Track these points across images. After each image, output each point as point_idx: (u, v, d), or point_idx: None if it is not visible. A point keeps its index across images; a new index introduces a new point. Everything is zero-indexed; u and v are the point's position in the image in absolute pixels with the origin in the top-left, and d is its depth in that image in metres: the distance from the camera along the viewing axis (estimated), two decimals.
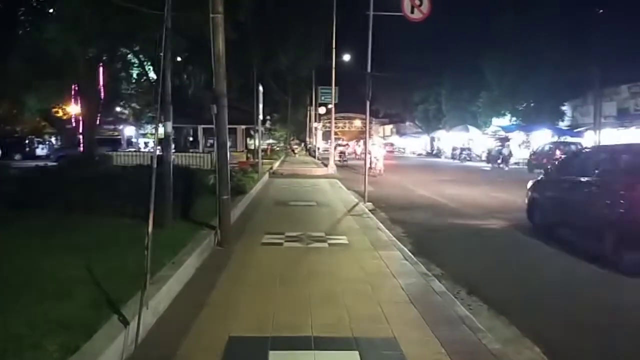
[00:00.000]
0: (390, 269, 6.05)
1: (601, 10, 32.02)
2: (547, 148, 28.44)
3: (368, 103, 13.66)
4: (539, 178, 10.33)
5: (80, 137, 19.17)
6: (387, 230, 8.75)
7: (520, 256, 7.74)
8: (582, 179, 8.03)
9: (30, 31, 15.22)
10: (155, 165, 4.03)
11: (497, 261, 7.39)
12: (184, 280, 5.33)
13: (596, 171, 7.87)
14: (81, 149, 18.53)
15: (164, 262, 5.35)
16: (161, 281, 4.76)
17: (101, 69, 18.13)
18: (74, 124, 24.94)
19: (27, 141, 37.08)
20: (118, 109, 41.79)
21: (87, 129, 17.45)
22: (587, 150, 12.06)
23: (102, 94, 18.46)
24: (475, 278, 6.20)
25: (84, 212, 7.50)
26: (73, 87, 19.23)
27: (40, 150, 37.59)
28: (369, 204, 12.42)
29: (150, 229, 3.87)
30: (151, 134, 55.81)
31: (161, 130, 7.83)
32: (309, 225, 9.12)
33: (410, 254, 6.87)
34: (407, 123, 73.70)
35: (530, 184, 10.42)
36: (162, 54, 6.50)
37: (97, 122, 18.46)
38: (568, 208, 8.40)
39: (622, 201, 6.79)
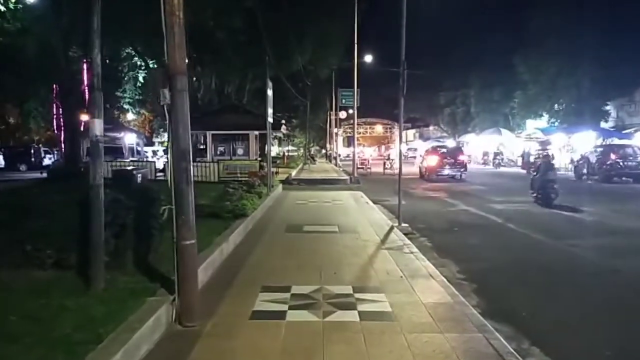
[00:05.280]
0: None
1: None
2: (597, 152, 24.50)
3: (402, 100, 10.83)
4: (422, 158, 27.14)
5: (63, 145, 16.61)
6: (443, 278, 5.89)
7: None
8: (423, 156, 27.95)
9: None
10: None
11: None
12: None
13: (424, 153, 28.15)
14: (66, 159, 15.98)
15: None
16: None
17: (85, 67, 15.59)
18: (55, 131, 22.46)
19: (32, 151, 35.13)
20: (130, 116, 39.72)
21: (69, 136, 14.94)
22: (431, 146, 30.63)
23: (88, 97, 15.86)
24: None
25: None
26: (54, 88, 16.69)
27: (48, 160, 35.65)
28: (405, 225, 9.83)
29: None
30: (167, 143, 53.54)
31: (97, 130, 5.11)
32: (328, 268, 6.30)
33: (506, 344, 3.95)
34: (432, 127, 70.40)
35: (419, 161, 28.55)
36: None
37: (82, 129, 15.98)
38: (423, 167, 25.34)
39: (423, 161, 26.24)
